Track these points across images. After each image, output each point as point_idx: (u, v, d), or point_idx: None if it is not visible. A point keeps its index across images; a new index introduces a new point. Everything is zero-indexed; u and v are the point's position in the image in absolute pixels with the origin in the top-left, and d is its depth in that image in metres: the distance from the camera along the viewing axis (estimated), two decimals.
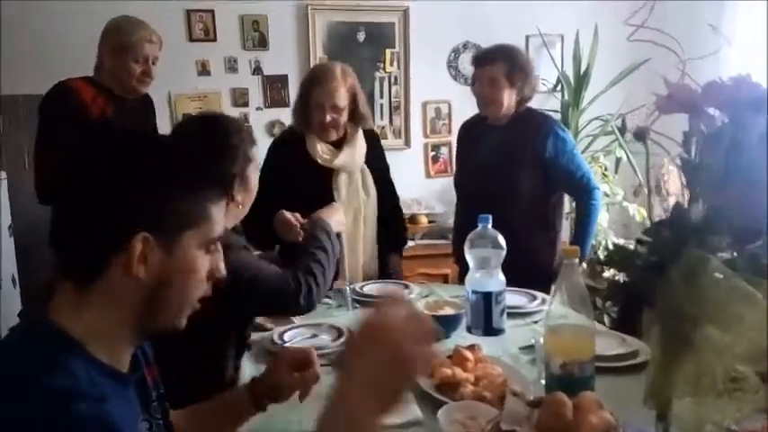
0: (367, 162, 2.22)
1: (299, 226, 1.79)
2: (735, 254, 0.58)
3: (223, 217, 0.84)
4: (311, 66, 3.11)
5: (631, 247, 0.80)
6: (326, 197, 2.09)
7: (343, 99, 2.10)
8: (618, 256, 0.73)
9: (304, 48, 3.43)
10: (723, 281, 0.56)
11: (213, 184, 0.84)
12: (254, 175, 1.51)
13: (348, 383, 0.67)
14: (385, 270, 2.28)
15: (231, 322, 1.50)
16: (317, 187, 2.10)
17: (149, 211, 0.76)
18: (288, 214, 1.83)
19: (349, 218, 2.14)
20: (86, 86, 2.22)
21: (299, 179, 2.11)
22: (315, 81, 2.13)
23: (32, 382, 0.66)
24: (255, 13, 3.36)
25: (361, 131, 2.22)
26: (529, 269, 2.02)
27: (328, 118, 2.10)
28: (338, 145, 2.18)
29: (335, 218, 1.75)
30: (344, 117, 2.13)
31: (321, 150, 2.15)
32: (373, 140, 2.29)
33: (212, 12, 3.29)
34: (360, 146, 2.20)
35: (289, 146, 2.21)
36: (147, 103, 2.38)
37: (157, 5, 3.06)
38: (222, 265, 0.86)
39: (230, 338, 1.54)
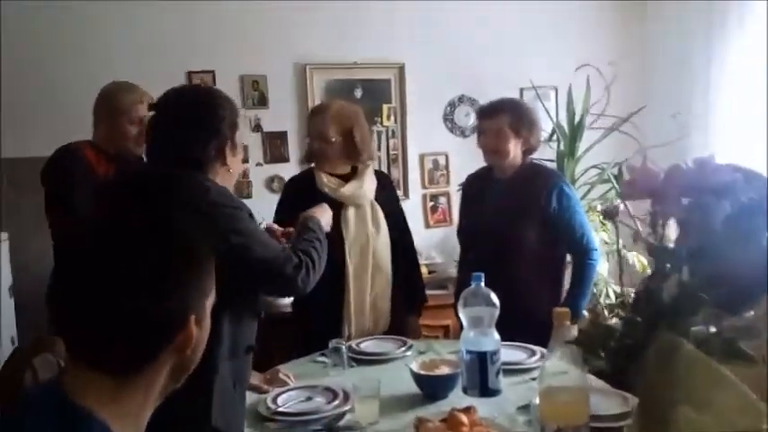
0: (377, 200, 2.26)
1: (279, 234, 1.80)
2: (713, 329, 0.57)
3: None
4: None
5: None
6: (334, 230, 2.11)
7: (331, 130, 2.19)
8: (595, 335, 0.73)
9: (303, 105, 3.50)
10: (696, 364, 0.55)
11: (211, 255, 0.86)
12: (239, 142, 1.56)
13: None
14: (402, 333, 2.23)
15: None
16: None
17: (195, 294, 0.79)
18: (275, 226, 1.85)
19: (355, 250, 2.19)
20: (89, 149, 2.28)
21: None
22: (311, 112, 2.37)
23: None
24: (255, 73, 3.46)
25: (372, 170, 2.29)
26: (533, 322, 2.00)
27: (315, 146, 2.23)
28: (347, 179, 2.24)
29: (325, 218, 1.80)
30: (335, 149, 2.21)
31: (327, 181, 2.21)
32: (384, 181, 2.36)
33: (213, 72, 3.38)
34: (368, 182, 2.25)
35: (302, 182, 2.31)
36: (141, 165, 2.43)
37: (159, 67, 3.16)
38: None
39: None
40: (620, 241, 3.32)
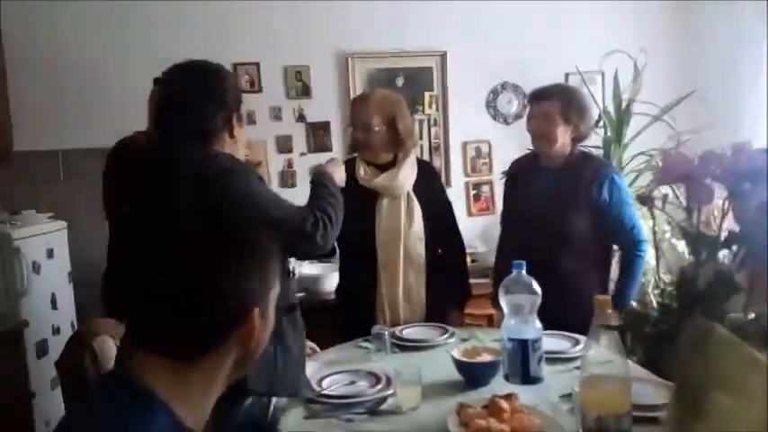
0: (416, 191, 2.24)
1: None
2: (750, 315, 0.57)
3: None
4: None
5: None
6: (368, 219, 2.15)
7: (374, 119, 2.17)
8: (630, 321, 0.73)
9: (345, 95, 3.53)
10: (730, 348, 0.55)
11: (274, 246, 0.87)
12: (244, 115, 1.61)
13: None
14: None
15: None
16: (359, 208, 2.06)
17: (260, 288, 0.81)
18: None
19: (385, 241, 2.18)
20: (144, 139, 2.36)
21: (345, 200, 2.17)
22: (353, 102, 2.36)
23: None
24: (298, 63, 3.51)
25: (414, 159, 2.27)
26: (577, 311, 1.98)
27: (359, 135, 2.21)
28: (385, 169, 2.23)
29: (338, 173, 1.81)
30: (378, 138, 2.19)
31: (363, 170, 2.22)
32: (426, 169, 2.34)
33: (257, 64, 3.45)
34: (406, 172, 2.23)
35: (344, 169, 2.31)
36: None
37: (205, 58, 3.23)
38: None
39: None
40: (668, 228, 3.25)
